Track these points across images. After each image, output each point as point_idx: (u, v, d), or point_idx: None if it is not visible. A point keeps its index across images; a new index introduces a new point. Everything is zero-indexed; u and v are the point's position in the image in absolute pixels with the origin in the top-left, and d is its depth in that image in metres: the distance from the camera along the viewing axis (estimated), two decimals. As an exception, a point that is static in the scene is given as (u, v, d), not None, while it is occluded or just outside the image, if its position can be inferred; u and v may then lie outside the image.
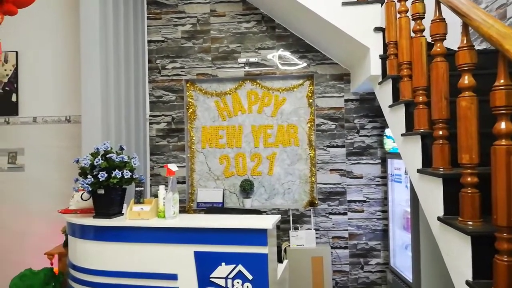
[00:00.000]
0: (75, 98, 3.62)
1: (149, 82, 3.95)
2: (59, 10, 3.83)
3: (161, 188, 2.20)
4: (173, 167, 2.12)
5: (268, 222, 1.95)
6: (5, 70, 3.87)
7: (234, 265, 1.95)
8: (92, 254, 2.18)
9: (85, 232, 2.20)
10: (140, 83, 3.74)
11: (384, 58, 2.78)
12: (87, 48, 2.98)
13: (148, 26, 3.95)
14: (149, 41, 3.95)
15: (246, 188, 3.79)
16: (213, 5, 3.89)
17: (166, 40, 3.94)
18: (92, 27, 2.95)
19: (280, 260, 2.45)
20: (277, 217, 2.12)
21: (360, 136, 3.76)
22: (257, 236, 1.93)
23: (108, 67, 3.11)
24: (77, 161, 2.26)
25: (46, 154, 3.84)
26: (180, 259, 2.02)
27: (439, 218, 1.77)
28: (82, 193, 2.36)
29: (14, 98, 3.87)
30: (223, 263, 1.95)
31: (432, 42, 1.86)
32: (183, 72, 3.92)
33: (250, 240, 1.94)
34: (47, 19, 3.84)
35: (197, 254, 2.00)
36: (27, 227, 3.81)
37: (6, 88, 3.87)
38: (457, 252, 1.60)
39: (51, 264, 3.24)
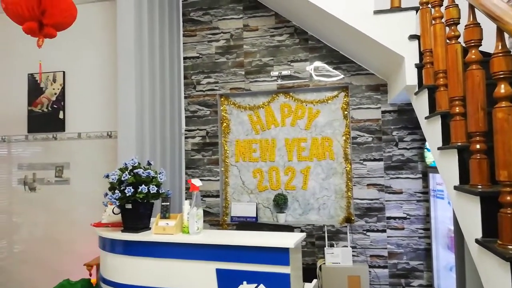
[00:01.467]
0: (116, 114, 3.78)
1: (185, 97, 4.04)
2: (101, 32, 4.05)
3: (186, 203, 2.20)
4: (196, 182, 2.12)
5: (290, 240, 1.88)
6: (54, 89, 4.14)
7: (256, 284, 1.89)
8: (119, 268, 2.22)
9: (112, 246, 2.25)
10: (176, 98, 3.83)
11: (420, 67, 2.64)
12: (123, 67, 3.10)
13: (184, 43, 4.06)
14: (184, 58, 4.06)
15: (280, 203, 3.73)
16: (246, 20, 3.92)
17: (200, 56, 4.02)
18: (127, 47, 3.08)
19: (309, 279, 2.35)
20: (301, 236, 2.04)
21: (399, 149, 3.58)
22: (279, 255, 1.87)
23: (143, 85, 3.21)
24: (107, 176, 2.34)
25: (90, 168, 4.02)
26: (202, 276, 2.00)
27: (477, 241, 1.61)
28: (114, 207, 2.43)
29: (61, 115, 4.12)
30: (244, 282, 1.90)
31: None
32: (217, 87, 3.97)
33: (272, 259, 1.88)
34: (91, 40, 4.07)
35: (219, 272, 1.97)
36: (71, 238, 3.99)
37: (54, 106, 4.13)
38: (496, 280, 1.45)
39: (90, 275, 3.35)
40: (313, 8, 2.97)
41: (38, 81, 4.16)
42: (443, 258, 3.23)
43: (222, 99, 4.04)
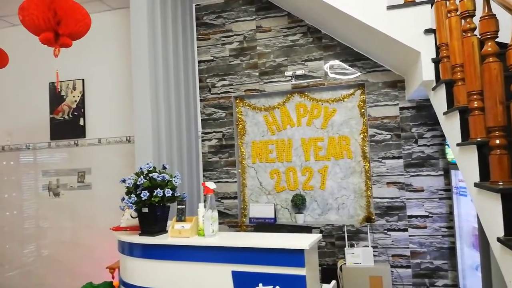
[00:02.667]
0: (134, 120, 3.85)
1: (200, 100, 4.07)
2: (117, 39, 4.14)
3: (201, 206, 2.21)
4: (210, 184, 2.13)
5: (305, 242, 1.86)
6: (74, 96, 4.25)
7: (272, 286, 1.88)
8: (137, 271, 2.25)
9: (130, 249, 2.29)
10: (191, 102, 3.86)
11: (436, 62, 2.57)
12: (138, 73, 3.14)
13: (198, 47, 4.10)
14: (199, 61, 4.09)
15: (298, 203, 3.70)
16: (259, 21, 3.92)
17: (215, 59, 4.04)
18: (141, 53, 3.12)
19: (329, 279, 2.32)
20: (317, 237, 2.02)
21: (419, 146, 3.49)
22: (294, 256, 1.85)
23: (158, 90, 3.25)
24: (124, 181, 2.37)
25: (110, 172, 4.10)
26: (218, 278, 2.01)
27: (498, 239, 1.55)
28: (131, 211, 2.47)
29: (81, 122, 4.23)
30: (260, 284, 1.90)
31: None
32: (232, 89, 3.98)
33: (287, 260, 1.86)
34: (108, 47, 4.16)
35: (234, 274, 1.97)
36: (93, 241, 4.08)
37: (75, 113, 4.24)
38: (520, 280, 1.39)
39: (112, 278, 3.42)
40: (326, 6, 2.94)
41: (57, 89, 4.27)
42: (468, 257, 3.14)
43: (237, 101, 4.05)
